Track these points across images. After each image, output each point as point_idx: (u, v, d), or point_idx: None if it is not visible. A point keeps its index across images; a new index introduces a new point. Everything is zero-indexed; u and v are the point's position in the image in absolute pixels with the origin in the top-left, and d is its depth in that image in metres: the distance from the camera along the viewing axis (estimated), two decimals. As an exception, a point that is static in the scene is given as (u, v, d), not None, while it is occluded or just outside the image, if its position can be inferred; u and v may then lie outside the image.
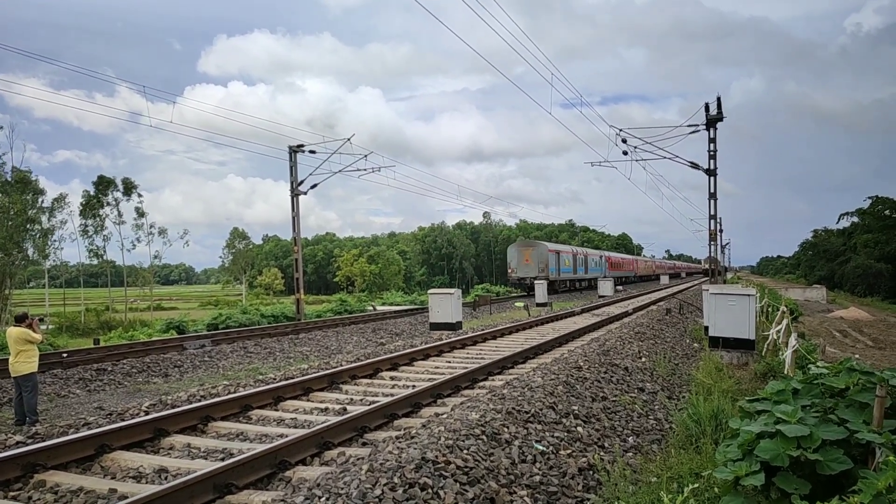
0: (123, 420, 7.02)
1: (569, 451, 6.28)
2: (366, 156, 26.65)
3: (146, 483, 5.26)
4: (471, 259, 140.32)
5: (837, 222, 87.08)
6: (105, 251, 50.62)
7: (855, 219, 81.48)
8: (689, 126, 24.01)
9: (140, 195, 51.13)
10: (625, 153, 24.91)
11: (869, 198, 77.08)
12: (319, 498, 4.30)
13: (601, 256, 62.95)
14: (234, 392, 8.63)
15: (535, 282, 38.04)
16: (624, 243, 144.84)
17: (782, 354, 11.23)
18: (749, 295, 14.67)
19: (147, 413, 7.41)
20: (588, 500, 5.23)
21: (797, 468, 3.75)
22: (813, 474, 3.71)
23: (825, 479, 3.69)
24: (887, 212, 75.00)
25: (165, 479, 5.31)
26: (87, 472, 5.61)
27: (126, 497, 4.77)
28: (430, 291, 21.70)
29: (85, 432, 6.18)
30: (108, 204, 49.40)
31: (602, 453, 6.45)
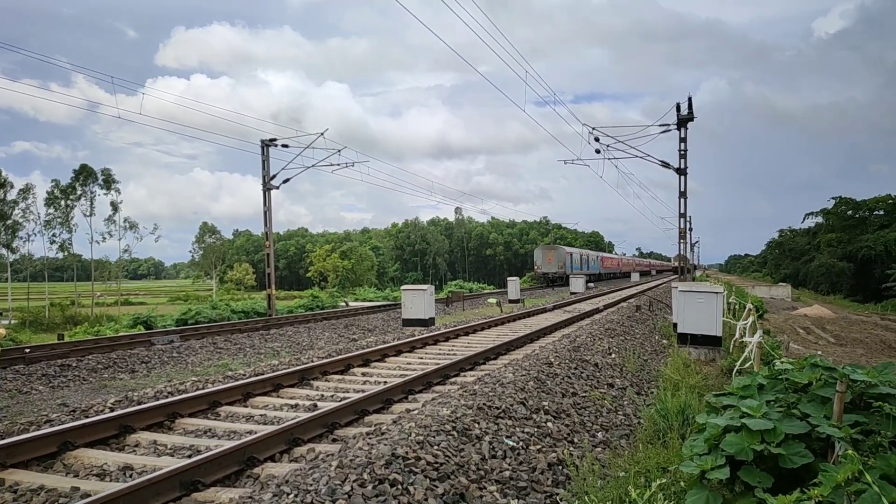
0: (87, 417, 6.87)
1: (539, 447, 6.32)
2: (339, 150, 26.48)
3: (110, 481, 5.16)
4: (444, 255, 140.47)
5: (802, 222, 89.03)
6: (71, 244, 49.49)
7: (819, 219, 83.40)
8: (661, 125, 24.32)
9: (118, 190, 50.04)
10: (597, 151, 25.14)
11: (833, 198, 79.01)
12: (288, 495, 4.26)
13: (598, 256, 79.19)
14: (203, 388, 8.51)
15: (508, 279, 38.78)
16: (595, 241, 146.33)
17: (749, 351, 11.44)
18: (717, 293, 14.92)
19: (112, 410, 7.26)
20: (557, 494, 5.27)
21: (761, 462, 3.82)
22: (776, 468, 3.78)
23: (787, 472, 3.77)
24: (849, 212, 76.94)
25: (130, 476, 5.21)
26: (48, 470, 5.48)
27: (89, 495, 4.67)
28: (402, 287, 21.66)
29: (47, 429, 6.04)
30: (84, 196, 48.21)
31: (571, 448, 6.50)
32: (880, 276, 60.40)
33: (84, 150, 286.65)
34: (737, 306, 23.12)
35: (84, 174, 47.71)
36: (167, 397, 7.95)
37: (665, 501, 3.67)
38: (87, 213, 48.49)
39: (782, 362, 5.47)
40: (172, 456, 5.80)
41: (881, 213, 73.38)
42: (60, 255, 51.86)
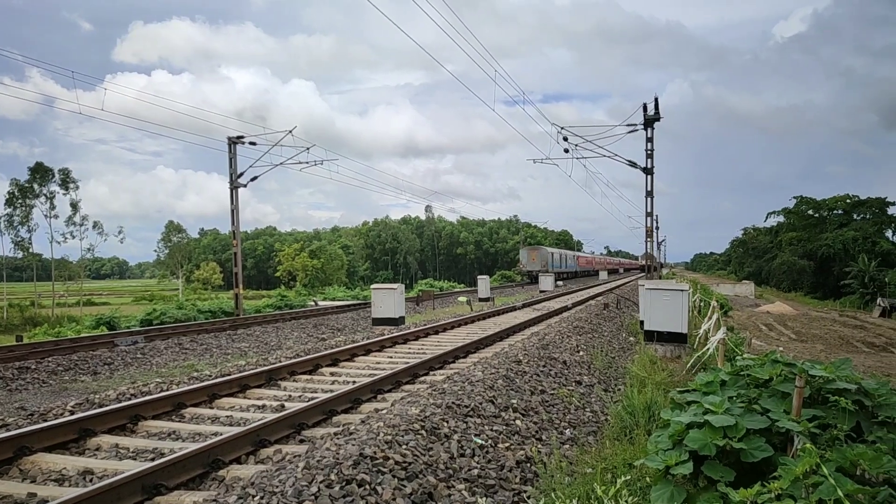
0: (46, 420, 6.69)
1: (507, 445, 6.35)
2: (308, 148, 26.22)
3: (69, 486, 5.02)
4: (415, 254, 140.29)
5: (765, 220, 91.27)
6: (31, 243, 48.19)
7: (781, 218, 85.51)
8: (629, 125, 24.62)
9: (77, 186, 48.80)
10: (566, 151, 25.35)
11: (794, 197, 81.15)
12: (253, 497, 4.20)
13: (574, 255, 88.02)
14: (167, 390, 8.35)
15: (478, 278, 39.02)
16: (565, 239, 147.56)
17: (712, 348, 11.67)
18: (682, 290, 15.16)
19: (72, 413, 7.08)
20: (525, 492, 5.29)
21: (723, 456, 3.89)
22: (738, 462, 3.86)
23: (749, 466, 3.84)
24: (810, 211, 79.06)
25: (91, 481, 5.09)
26: (3, 476, 5.31)
27: (47, 501, 4.55)
28: (372, 286, 21.54)
29: (3, 434, 5.84)
30: (43, 195, 46.90)
31: (539, 446, 6.54)
32: (839, 274, 62.21)
33: (42, 147, 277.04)
34: (702, 304, 23.55)
35: (40, 173, 46.40)
36: (130, 399, 7.78)
37: (630, 497, 3.71)
38: (47, 215, 47.24)
39: (744, 358, 5.58)
40: (135, 459, 5.67)
41: (840, 212, 75.57)
42: (20, 255, 50.37)
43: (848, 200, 74.80)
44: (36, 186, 46.26)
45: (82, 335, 18.85)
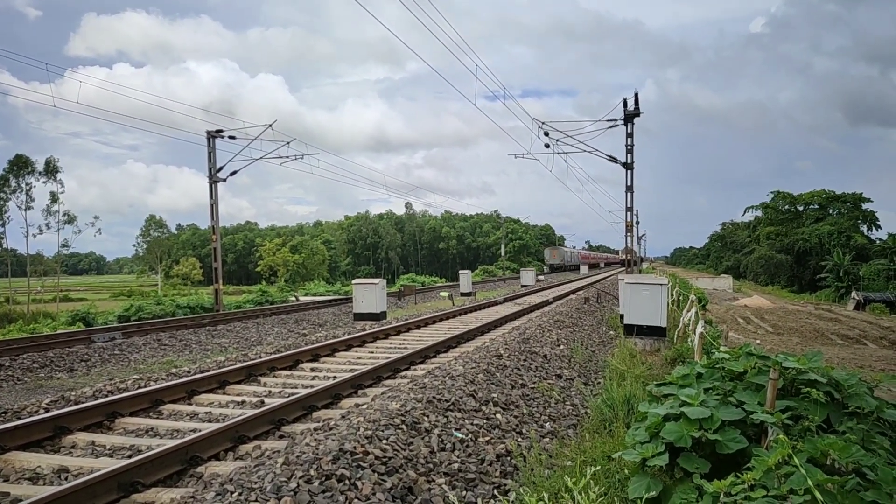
0: (20, 418, 6.60)
1: (487, 438, 6.38)
2: (289, 143, 26.00)
3: (44, 484, 4.96)
4: (397, 249, 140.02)
5: (743, 215, 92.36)
6: (4, 235, 47.28)
7: (758, 213, 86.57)
8: (609, 121, 24.73)
9: (62, 182, 47.92)
10: (547, 146, 25.40)
11: (771, 192, 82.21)
12: (232, 493, 4.17)
13: (578, 253, 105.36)
14: (145, 386, 8.27)
15: (460, 272, 39.12)
16: (547, 234, 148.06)
17: (691, 341, 11.80)
18: (662, 284, 15.31)
19: (47, 410, 7.00)
20: (505, 485, 5.32)
21: (698, 448, 3.94)
22: (713, 454, 3.91)
23: (724, 457, 3.90)
24: (787, 206, 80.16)
25: (65, 479, 5.03)
26: (-24, 475, 5.23)
27: (20, 500, 4.49)
28: (354, 281, 21.47)
29: (-25, 432, 5.75)
30: (20, 188, 45.96)
31: (520, 439, 6.58)
32: (815, 268, 63.16)
33: (5, 140, 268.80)
34: (680, 297, 23.79)
35: (18, 165, 45.42)
36: (107, 396, 7.70)
37: (597, 487, 3.77)
38: (24, 207, 46.31)
39: (721, 351, 5.65)
40: (111, 457, 5.61)
41: (815, 207, 76.70)
42: (-7, 250, 49.46)
43: (824, 195, 75.91)
44: (13, 179, 45.34)
45: (58, 331, 18.55)
